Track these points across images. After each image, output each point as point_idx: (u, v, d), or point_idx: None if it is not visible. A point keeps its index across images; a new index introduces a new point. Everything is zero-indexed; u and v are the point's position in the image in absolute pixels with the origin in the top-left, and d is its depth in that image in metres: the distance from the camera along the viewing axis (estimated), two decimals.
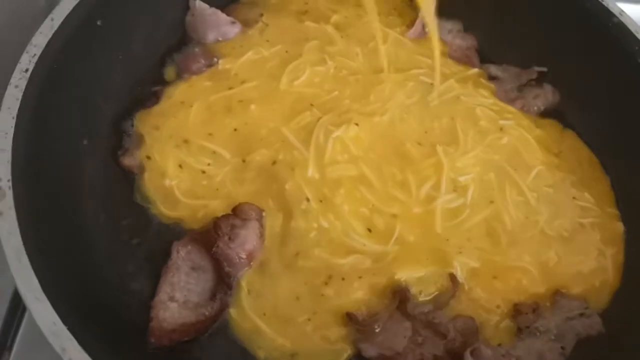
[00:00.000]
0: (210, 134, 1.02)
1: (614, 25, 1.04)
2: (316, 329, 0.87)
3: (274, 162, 0.99)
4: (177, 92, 1.07)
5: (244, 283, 0.89)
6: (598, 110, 1.10)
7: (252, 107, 1.05)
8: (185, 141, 1.01)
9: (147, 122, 1.03)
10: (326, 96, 1.07)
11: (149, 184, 0.98)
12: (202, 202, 0.97)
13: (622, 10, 1.04)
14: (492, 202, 1.00)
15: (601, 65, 1.07)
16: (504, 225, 0.98)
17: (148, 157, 0.99)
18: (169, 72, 1.11)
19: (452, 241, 0.95)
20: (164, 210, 0.96)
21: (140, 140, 1.01)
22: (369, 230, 0.94)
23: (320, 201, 0.95)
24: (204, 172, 0.99)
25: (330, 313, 0.88)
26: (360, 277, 0.90)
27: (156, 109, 1.04)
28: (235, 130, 1.03)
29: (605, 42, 1.05)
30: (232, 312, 0.88)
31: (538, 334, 0.88)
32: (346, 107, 1.06)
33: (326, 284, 0.90)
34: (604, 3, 1.05)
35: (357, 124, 1.02)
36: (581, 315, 0.89)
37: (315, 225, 0.93)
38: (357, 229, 0.93)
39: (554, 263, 0.96)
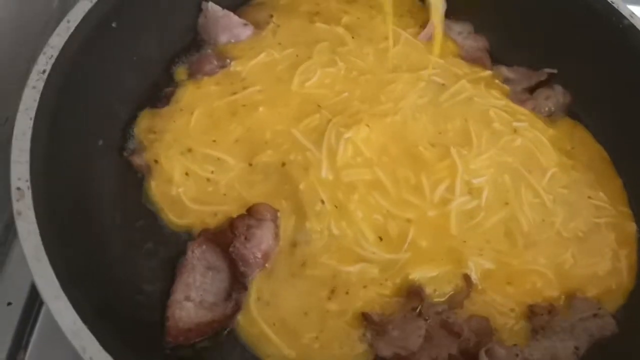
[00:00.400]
0: (214, 141, 1.02)
1: (625, 27, 1.05)
2: (323, 348, 0.87)
3: (284, 164, 0.99)
4: (183, 97, 1.07)
5: (252, 289, 0.90)
6: (608, 111, 1.12)
7: (259, 110, 1.06)
8: (189, 149, 1.01)
9: (147, 127, 1.04)
10: (335, 97, 1.08)
11: (156, 190, 0.98)
12: (211, 209, 0.96)
13: (633, 12, 1.05)
14: (507, 203, 1.01)
15: (612, 67, 1.08)
16: (520, 227, 0.99)
17: (156, 161, 1.00)
18: (179, 73, 1.12)
19: (468, 242, 0.96)
20: (173, 218, 0.96)
21: (143, 144, 1.02)
22: (380, 238, 0.94)
23: (336, 206, 0.95)
24: (208, 179, 0.99)
25: (336, 333, 0.88)
26: (365, 287, 0.90)
27: (158, 113, 1.05)
28: (240, 135, 1.03)
29: (616, 43, 1.06)
30: (240, 317, 0.88)
31: (552, 334, 0.88)
32: (356, 108, 1.07)
33: (329, 299, 0.90)
34: (614, 5, 1.06)
35: (368, 125, 1.02)
36: (594, 315, 0.90)
37: (326, 231, 0.93)
38: (369, 237, 0.93)
39: (569, 265, 0.96)
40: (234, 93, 1.07)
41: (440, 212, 0.97)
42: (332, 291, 0.90)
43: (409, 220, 0.96)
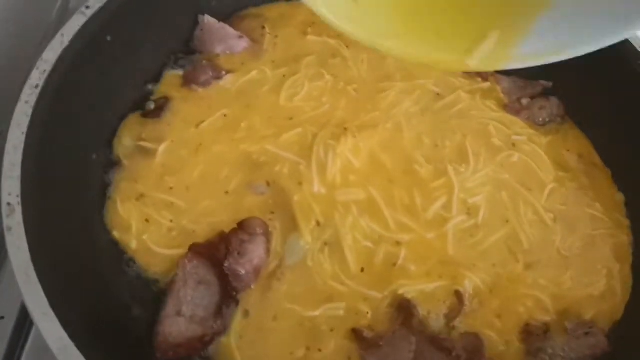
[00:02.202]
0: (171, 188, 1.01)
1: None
2: None
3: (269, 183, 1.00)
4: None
5: (235, 325, 0.89)
6: (602, 122, 1.12)
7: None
8: (142, 195, 0.99)
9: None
10: (319, 109, 1.09)
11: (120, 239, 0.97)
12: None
13: None
14: (507, 221, 1.01)
15: (605, 80, 1.08)
16: (521, 246, 0.99)
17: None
18: (164, 86, 1.12)
19: (466, 261, 0.96)
20: (145, 267, 0.94)
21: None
22: (362, 269, 0.94)
23: (325, 244, 0.95)
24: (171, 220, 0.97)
25: None
26: (332, 330, 0.89)
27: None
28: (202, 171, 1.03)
29: (610, 57, 1.05)
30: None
31: (545, 355, 0.88)
32: (340, 119, 1.07)
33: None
34: None
35: (355, 136, 1.03)
36: (586, 334, 0.89)
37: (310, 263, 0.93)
38: (352, 268, 0.93)
39: (567, 288, 0.96)
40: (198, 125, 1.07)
41: (437, 234, 0.97)
42: (308, 348, 0.88)
43: (399, 244, 0.95)
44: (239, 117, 1.07)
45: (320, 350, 0.87)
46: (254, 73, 1.13)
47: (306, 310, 0.89)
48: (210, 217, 0.97)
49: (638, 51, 1.03)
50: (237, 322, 0.88)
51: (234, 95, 1.10)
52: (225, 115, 1.07)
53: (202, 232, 0.95)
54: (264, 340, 0.87)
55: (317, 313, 0.89)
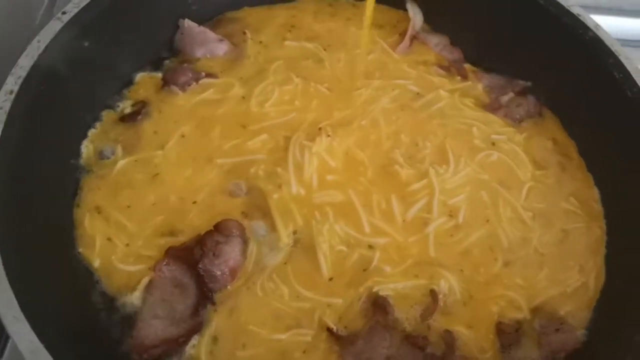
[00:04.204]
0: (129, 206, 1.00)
1: (590, 39, 1.05)
2: None
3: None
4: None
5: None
6: (578, 119, 1.13)
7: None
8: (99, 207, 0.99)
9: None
10: (284, 116, 1.10)
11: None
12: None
13: (598, 24, 1.06)
14: (487, 221, 1.01)
15: (580, 78, 1.09)
16: (500, 244, 1.00)
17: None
18: (144, 90, 1.13)
19: (445, 261, 0.97)
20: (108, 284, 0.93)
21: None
22: (331, 279, 0.94)
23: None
24: (127, 244, 0.96)
25: None
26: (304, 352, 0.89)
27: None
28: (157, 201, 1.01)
29: (583, 55, 1.07)
30: None
31: (518, 350, 0.89)
32: (312, 120, 1.09)
33: None
34: (580, 18, 1.07)
35: (329, 135, 1.04)
36: (557, 330, 0.90)
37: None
38: (325, 273, 0.94)
39: (541, 286, 0.96)
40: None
41: (419, 236, 0.99)
42: None
43: (372, 247, 0.96)
44: (209, 127, 1.08)
45: None
46: (227, 79, 1.14)
47: (272, 333, 0.89)
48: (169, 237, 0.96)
49: (611, 50, 1.04)
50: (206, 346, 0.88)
51: (206, 104, 1.11)
52: (196, 126, 1.08)
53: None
54: None
55: (284, 337, 0.89)
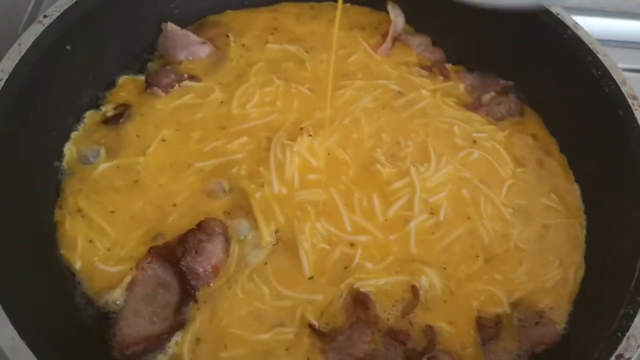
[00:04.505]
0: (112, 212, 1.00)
1: (569, 38, 1.06)
2: None
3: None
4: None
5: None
6: (558, 116, 1.15)
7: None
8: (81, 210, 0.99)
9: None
10: (266, 117, 1.11)
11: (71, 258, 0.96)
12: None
13: (577, 23, 1.07)
14: (468, 218, 1.02)
15: (560, 76, 1.10)
16: (481, 241, 1.00)
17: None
18: (126, 92, 1.14)
19: (426, 258, 0.98)
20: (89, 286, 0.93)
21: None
22: (312, 278, 0.95)
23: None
24: (109, 249, 0.97)
25: None
26: (287, 349, 0.89)
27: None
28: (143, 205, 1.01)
29: (562, 53, 1.08)
30: None
31: (499, 342, 0.90)
32: (293, 120, 1.10)
33: None
34: (559, 16, 1.08)
35: (310, 135, 1.05)
36: (536, 324, 0.91)
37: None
38: (308, 270, 0.95)
39: (521, 281, 0.97)
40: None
41: (400, 234, 0.99)
42: None
43: (353, 245, 0.97)
44: (189, 131, 1.08)
45: None
46: (208, 83, 1.15)
47: (255, 334, 0.89)
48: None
49: (589, 48, 1.05)
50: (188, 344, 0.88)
51: (185, 108, 1.12)
52: (177, 130, 1.09)
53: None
54: None
55: (266, 337, 0.89)
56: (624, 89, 1.01)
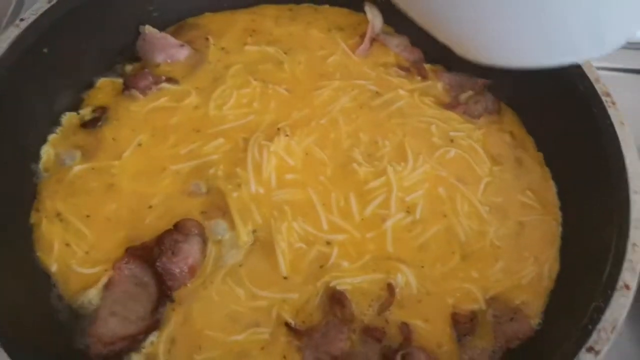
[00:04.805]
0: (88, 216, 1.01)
1: None
2: None
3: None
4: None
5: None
6: (535, 114, 1.16)
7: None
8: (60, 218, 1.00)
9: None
10: (243, 118, 1.12)
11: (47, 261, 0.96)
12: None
13: None
14: (445, 216, 1.03)
15: (536, 75, 1.10)
16: (458, 238, 1.01)
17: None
18: (104, 95, 1.15)
19: (401, 256, 0.98)
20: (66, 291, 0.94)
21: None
22: (287, 277, 0.95)
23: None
24: (87, 252, 0.97)
25: None
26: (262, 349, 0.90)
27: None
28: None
29: None
30: None
31: (474, 339, 0.91)
32: (270, 121, 1.10)
33: None
34: None
35: (287, 135, 1.06)
36: (511, 320, 0.92)
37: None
38: (284, 269, 0.95)
39: (496, 278, 0.98)
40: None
41: (376, 232, 1.00)
42: None
43: (329, 244, 0.98)
44: (165, 135, 1.09)
45: None
46: (184, 87, 1.16)
47: (229, 335, 0.90)
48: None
49: None
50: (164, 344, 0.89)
51: (162, 112, 1.12)
52: (152, 135, 1.09)
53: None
54: None
55: (240, 337, 0.90)
56: (597, 87, 1.01)
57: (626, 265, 0.83)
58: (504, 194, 1.07)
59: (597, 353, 0.77)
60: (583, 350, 0.77)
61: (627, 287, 0.82)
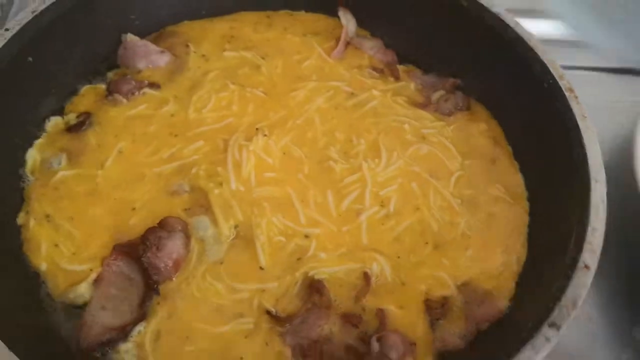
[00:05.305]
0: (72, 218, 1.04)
1: (511, 36, 1.14)
2: None
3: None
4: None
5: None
6: (503, 110, 1.22)
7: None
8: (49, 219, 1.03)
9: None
10: (222, 121, 1.16)
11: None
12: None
13: (517, 22, 1.14)
14: (418, 209, 1.08)
15: (503, 72, 1.16)
16: (431, 229, 1.06)
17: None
18: (88, 100, 1.19)
19: (376, 246, 1.03)
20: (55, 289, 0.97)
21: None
22: (261, 268, 0.99)
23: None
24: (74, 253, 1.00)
25: None
26: (246, 337, 0.94)
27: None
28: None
29: (505, 51, 1.14)
30: None
31: (445, 323, 0.96)
32: (249, 122, 1.15)
33: None
34: (501, 17, 1.15)
35: (265, 135, 1.10)
36: (481, 303, 0.97)
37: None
38: (263, 261, 0.99)
39: (467, 265, 1.03)
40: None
41: (352, 226, 1.04)
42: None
43: (307, 237, 1.02)
44: (146, 140, 1.13)
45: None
46: (164, 94, 1.20)
47: (215, 327, 0.94)
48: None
49: (529, 45, 1.12)
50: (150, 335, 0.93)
51: (140, 119, 1.16)
52: (133, 141, 1.13)
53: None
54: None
55: (226, 328, 0.94)
56: (561, 83, 1.06)
57: (586, 247, 0.88)
58: (474, 186, 1.12)
59: (558, 327, 0.81)
60: (546, 325, 0.81)
61: (586, 267, 0.86)
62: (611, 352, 1.07)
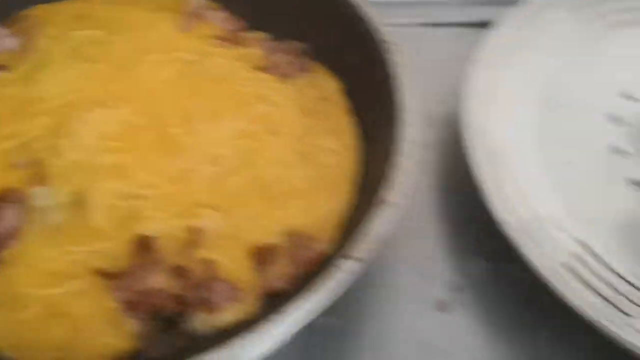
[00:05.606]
0: None
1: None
2: None
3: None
4: None
5: None
6: (342, 71, 1.29)
7: None
8: None
9: None
10: (62, 97, 1.17)
11: None
12: None
13: None
14: (253, 165, 1.13)
15: (341, 34, 1.24)
16: (264, 184, 1.11)
17: None
18: None
19: (209, 203, 1.08)
20: None
21: None
22: (98, 231, 1.03)
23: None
24: None
25: None
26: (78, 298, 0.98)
27: None
28: None
29: (339, 12, 1.24)
30: None
31: (273, 269, 1.02)
32: (90, 97, 1.17)
33: None
34: None
35: (105, 107, 1.14)
36: (305, 248, 1.04)
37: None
38: (101, 223, 1.03)
39: (294, 216, 1.09)
40: None
41: (184, 184, 1.09)
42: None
43: (142, 198, 1.06)
44: None
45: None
46: (7, 75, 1.23)
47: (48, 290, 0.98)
48: None
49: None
50: None
51: None
52: None
53: None
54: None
55: (60, 290, 0.98)
56: (388, 38, 1.17)
57: (395, 186, 0.97)
58: (310, 141, 1.18)
59: (361, 260, 0.90)
60: (352, 260, 0.90)
61: (393, 204, 0.93)
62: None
